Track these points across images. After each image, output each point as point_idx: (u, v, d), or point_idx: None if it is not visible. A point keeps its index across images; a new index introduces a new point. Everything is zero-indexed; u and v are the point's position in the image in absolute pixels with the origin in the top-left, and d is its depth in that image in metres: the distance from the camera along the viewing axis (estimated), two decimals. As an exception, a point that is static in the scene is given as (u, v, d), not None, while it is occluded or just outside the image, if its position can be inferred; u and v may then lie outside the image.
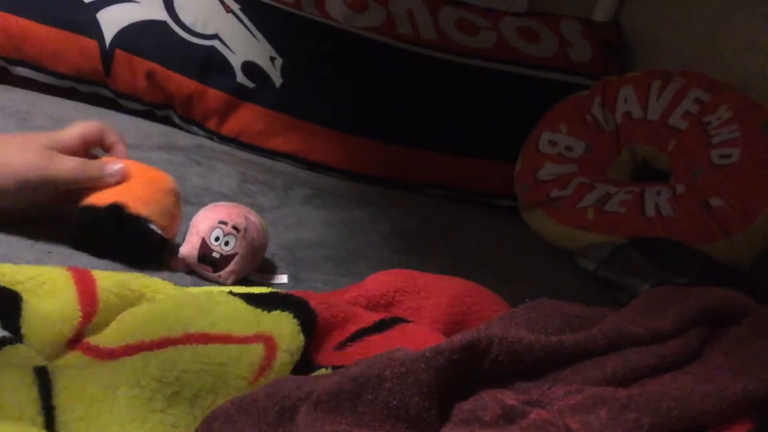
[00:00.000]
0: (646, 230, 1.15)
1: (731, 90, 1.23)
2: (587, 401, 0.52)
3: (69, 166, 0.73)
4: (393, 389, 0.50)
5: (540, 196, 1.30)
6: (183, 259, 0.79)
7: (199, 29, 1.28)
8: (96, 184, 0.75)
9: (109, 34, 1.24)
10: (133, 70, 1.25)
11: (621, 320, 0.63)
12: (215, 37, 1.28)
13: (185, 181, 1.06)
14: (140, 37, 1.25)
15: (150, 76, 1.25)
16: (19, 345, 0.53)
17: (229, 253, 0.78)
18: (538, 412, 0.51)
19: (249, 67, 1.29)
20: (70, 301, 0.60)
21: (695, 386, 0.52)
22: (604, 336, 0.59)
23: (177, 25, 1.27)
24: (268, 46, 1.31)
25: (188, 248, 0.78)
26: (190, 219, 0.81)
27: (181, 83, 1.26)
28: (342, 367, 0.59)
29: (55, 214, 0.78)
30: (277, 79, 1.30)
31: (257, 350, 0.58)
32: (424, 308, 0.75)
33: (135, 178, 0.77)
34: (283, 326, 0.61)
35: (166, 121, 1.30)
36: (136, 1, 1.26)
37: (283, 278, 0.85)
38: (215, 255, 0.77)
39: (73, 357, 0.58)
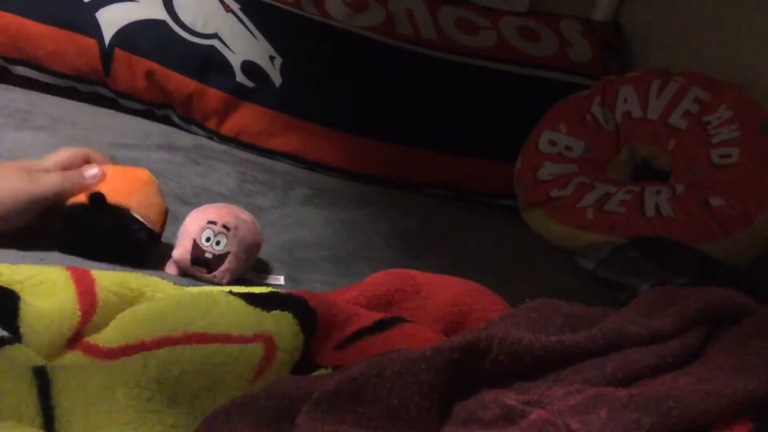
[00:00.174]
0: (645, 230, 1.15)
1: (731, 90, 1.23)
2: (587, 401, 0.52)
3: (52, 179, 0.75)
4: (393, 389, 0.50)
5: (540, 196, 1.30)
6: (176, 263, 0.79)
7: (198, 28, 1.28)
8: (79, 190, 0.77)
9: (108, 34, 1.24)
10: (132, 70, 1.25)
11: (621, 320, 0.63)
12: (215, 36, 1.28)
13: (185, 181, 1.06)
14: (140, 36, 1.25)
15: (149, 75, 1.25)
16: (17, 345, 0.53)
17: (221, 252, 0.78)
18: (538, 413, 0.51)
19: (248, 67, 1.29)
20: (69, 300, 0.60)
21: (695, 386, 0.52)
22: (604, 336, 0.59)
23: (176, 25, 1.27)
24: (268, 46, 1.31)
25: (180, 252, 0.78)
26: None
27: (180, 83, 1.26)
28: (342, 367, 0.59)
29: (44, 226, 0.79)
30: (277, 79, 1.30)
31: (257, 350, 0.58)
32: (424, 308, 0.75)
33: (111, 175, 0.79)
34: (283, 326, 0.61)
35: (166, 120, 1.30)
36: (135, 1, 1.26)
37: (279, 279, 0.85)
38: (208, 255, 0.77)
39: (72, 356, 0.58)
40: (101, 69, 1.25)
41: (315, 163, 1.32)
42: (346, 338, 0.66)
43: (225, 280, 0.78)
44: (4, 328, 0.54)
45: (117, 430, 0.47)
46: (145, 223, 0.77)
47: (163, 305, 0.62)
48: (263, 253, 0.86)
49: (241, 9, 1.31)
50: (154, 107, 1.30)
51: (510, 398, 0.52)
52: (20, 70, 1.25)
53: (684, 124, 1.24)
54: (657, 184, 1.22)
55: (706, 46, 1.41)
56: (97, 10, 1.24)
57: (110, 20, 1.24)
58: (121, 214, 0.76)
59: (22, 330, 0.56)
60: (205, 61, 1.27)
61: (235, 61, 1.28)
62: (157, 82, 1.26)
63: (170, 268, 0.80)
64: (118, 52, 1.24)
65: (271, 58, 1.31)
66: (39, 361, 0.53)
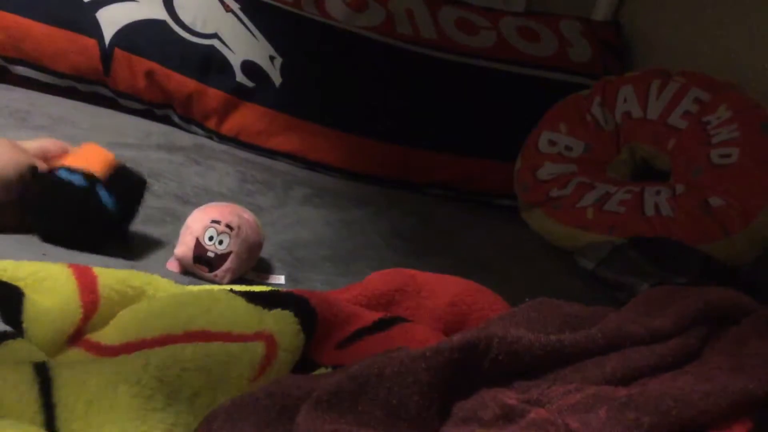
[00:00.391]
0: (645, 230, 1.15)
1: (731, 90, 1.23)
2: (587, 400, 0.52)
3: (37, 143, 0.80)
4: (393, 388, 0.50)
5: (540, 196, 1.30)
6: (178, 261, 0.79)
7: (198, 28, 1.28)
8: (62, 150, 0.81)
9: (108, 34, 1.24)
10: (132, 70, 1.25)
11: (621, 320, 0.63)
12: (215, 36, 1.28)
13: (185, 180, 1.06)
14: (140, 36, 1.25)
15: (149, 75, 1.25)
16: (20, 339, 0.53)
17: (223, 251, 0.78)
18: (538, 412, 0.51)
19: (248, 67, 1.29)
20: (71, 297, 0.60)
21: (695, 386, 0.52)
22: (604, 335, 0.59)
23: (176, 25, 1.27)
24: (268, 46, 1.31)
25: (183, 249, 0.78)
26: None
27: (180, 82, 1.26)
28: (342, 366, 0.59)
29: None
30: (277, 79, 1.30)
31: (258, 349, 0.58)
32: (424, 308, 0.75)
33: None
34: (284, 325, 0.61)
35: (166, 120, 1.30)
36: (135, 1, 1.26)
37: (280, 279, 0.85)
38: (210, 254, 0.77)
39: (74, 353, 0.58)
40: (101, 69, 1.25)
41: (315, 163, 1.32)
42: (347, 338, 0.66)
43: (226, 280, 0.79)
44: (8, 324, 0.54)
45: (118, 428, 0.47)
46: (83, 171, 0.77)
47: (164, 303, 0.62)
48: (263, 253, 0.86)
49: (241, 9, 1.31)
50: (154, 107, 1.30)
51: (509, 397, 0.53)
52: (20, 69, 1.25)
53: (684, 124, 1.24)
54: (657, 184, 1.22)
55: (706, 46, 1.41)
56: (97, 10, 1.24)
57: (110, 20, 1.24)
58: (56, 175, 0.77)
59: (25, 325, 0.56)
60: (205, 61, 1.27)
61: (235, 60, 1.28)
62: (157, 81, 1.26)
63: (172, 266, 0.80)
64: (118, 52, 1.24)
65: (271, 58, 1.31)
66: (40, 357, 0.53)
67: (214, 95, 1.28)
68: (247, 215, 0.82)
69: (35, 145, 0.80)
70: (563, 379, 0.57)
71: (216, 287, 0.72)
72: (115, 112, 1.26)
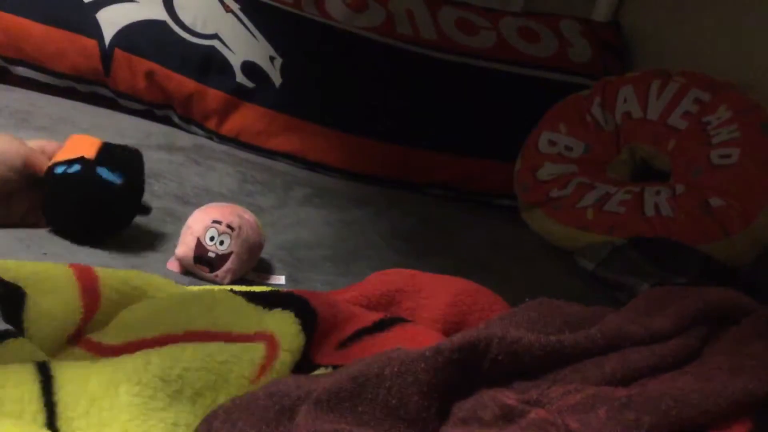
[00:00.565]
0: (645, 230, 1.15)
1: (731, 90, 1.23)
2: (586, 401, 0.52)
3: (36, 142, 0.81)
4: (393, 388, 0.50)
5: (540, 196, 1.30)
6: (179, 261, 0.79)
7: (198, 29, 1.28)
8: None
9: (108, 34, 1.24)
10: (132, 70, 1.25)
11: (620, 320, 0.63)
12: (215, 36, 1.28)
13: (185, 181, 1.06)
14: (140, 36, 1.25)
15: (149, 75, 1.25)
16: (21, 338, 0.53)
17: (224, 252, 0.78)
18: (538, 412, 0.51)
19: (248, 67, 1.29)
20: (72, 297, 0.60)
21: (695, 386, 0.52)
22: (604, 336, 0.59)
23: (176, 25, 1.27)
24: (268, 46, 1.31)
25: (184, 249, 0.78)
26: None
27: (180, 83, 1.26)
28: (342, 366, 0.59)
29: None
30: (277, 79, 1.30)
31: (259, 349, 0.58)
32: (424, 308, 0.75)
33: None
34: (285, 325, 0.61)
35: (166, 120, 1.30)
36: (135, 1, 1.27)
37: (280, 279, 0.85)
38: (211, 255, 0.77)
39: (75, 353, 0.58)
40: (101, 69, 1.25)
41: (315, 163, 1.32)
42: (347, 338, 0.66)
43: (226, 280, 0.79)
44: (9, 323, 0.54)
45: (119, 427, 0.47)
46: (73, 159, 0.77)
47: (164, 303, 0.63)
48: (264, 253, 0.86)
49: (241, 9, 1.31)
50: (154, 107, 1.30)
51: (509, 398, 0.53)
52: (21, 70, 1.25)
53: (684, 124, 1.24)
54: (657, 185, 1.22)
55: (706, 46, 1.41)
56: (97, 10, 1.24)
57: (110, 21, 1.24)
58: (49, 173, 0.77)
59: (25, 325, 0.56)
60: (205, 62, 1.27)
61: (235, 61, 1.28)
62: (157, 82, 1.26)
63: (172, 266, 0.80)
64: (118, 53, 1.24)
65: (271, 59, 1.31)
66: (42, 357, 0.53)
67: (214, 96, 1.28)
68: (248, 216, 0.82)
69: (34, 143, 0.80)
70: (563, 380, 0.57)
71: (216, 287, 0.72)
72: (115, 113, 1.26)
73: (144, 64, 1.25)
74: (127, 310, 0.62)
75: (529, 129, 1.38)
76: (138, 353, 0.53)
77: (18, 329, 0.55)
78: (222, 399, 0.53)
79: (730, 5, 1.38)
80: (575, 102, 1.37)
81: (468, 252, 1.13)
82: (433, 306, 0.75)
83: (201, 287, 0.74)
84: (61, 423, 0.47)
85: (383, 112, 1.36)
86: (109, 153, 0.80)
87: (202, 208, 0.82)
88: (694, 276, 1.01)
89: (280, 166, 1.28)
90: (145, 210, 0.84)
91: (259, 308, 0.63)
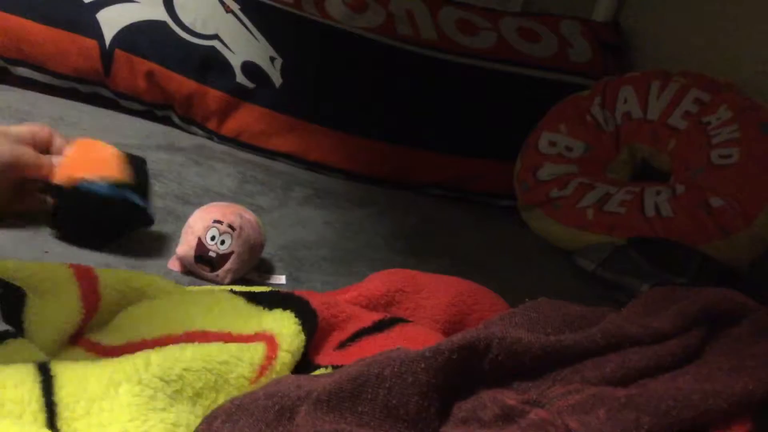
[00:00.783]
0: (645, 230, 1.15)
1: (731, 90, 1.23)
2: (586, 401, 0.52)
3: (26, 127, 0.79)
4: (392, 389, 0.50)
5: (540, 196, 1.30)
6: (180, 260, 0.79)
7: (198, 29, 1.28)
8: (37, 168, 0.78)
9: (108, 34, 1.24)
10: (132, 70, 1.25)
11: (621, 320, 0.63)
12: (215, 37, 1.28)
13: (185, 181, 1.06)
14: (140, 37, 1.25)
15: (150, 76, 1.25)
16: (21, 339, 0.53)
17: (225, 251, 0.78)
18: (538, 412, 0.51)
19: (249, 67, 1.29)
20: (73, 297, 0.60)
21: (695, 386, 0.52)
22: (604, 336, 0.59)
23: (177, 25, 1.27)
24: (268, 46, 1.31)
25: (185, 248, 0.78)
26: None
27: (180, 83, 1.26)
28: (342, 366, 0.59)
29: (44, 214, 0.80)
30: (277, 79, 1.30)
31: (259, 349, 0.58)
32: (424, 308, 0.75)
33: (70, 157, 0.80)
34: (285, 325, 0.61)
35: (166, 121, 1.30)
36: (135, 1, 1.27)
37: (281, 279, 0.85)
38: (212, 254, 0.78)
39: (75, 353, 0.58)
40: (102, 70, 1.25)
41: (315, 163, 1.32)
42: (347, 338, 0.66)
43: (227, 280, 0.79)
44: (9, 324, 0.54)
45: (119, 428, 0.47)
46: (104, 181, 0.77)
47: (164, 304, 0.63)
48: (264, 253, 0.86)
49: (241, 9, 1.31)
50: (155, 108, 1.30)
51: (509, 398, 0.53)
52: (21, 71, 1.25)
53: (684, 124, 1.24)
54: (657, 185, 1.22)
55: (706, 47, 1.41)
56: (97, 11, 1.24)
57: (111, 21, 1.24)
58: (81, 190, 0.77)
59: (25, 325, 0.56)
60: (206, 62, 1.27)
61: (236, 61, 1.28)
62: (158, 82, 1.26)
63: (173, 265, 0.80)
64: (119, 53, 1.24)
65: (272, 59, 1.31)
66: (41, 357, 0.53)
67: (214, 96, 1.28)
68: (249, 215, 0.82)
69: (24, 129, 0.79)
70: (563, 380, 0.57)
71: (216, 287, 0.72)
72: (115, 113, 1.26)
73: (144, 65, 1.25)
74: (127, 310, 0.62)
75: (529, 129, 1.38)
76: (138, 353, 0.53)
77: (18, 329, 0.55)
78: (222, 399, 0.53)
79: (730, 5, 1.38)
80: (575, 102, 1.37)
81: (468, 252, 1.13)
82: (433, 306, 0.75)
83: (201, 287, 0.74)
84: (62, 423, 0.47)
85: (383, 112, 1.36)
86: (135, 173, 0.80)
87: (204, 207, 0.82)
88: (694, 276, 1.01)
89: (281, 166, 1.28)
90: (149, 221, 0.83)
91: (259, 308, 0.63)
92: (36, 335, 0.56)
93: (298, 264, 0.91)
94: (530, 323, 0.62)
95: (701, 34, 1.43)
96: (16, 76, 1.26)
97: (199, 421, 0.51)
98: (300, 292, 0.69)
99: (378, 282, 0.76)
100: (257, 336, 0.60)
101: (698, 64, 1.35)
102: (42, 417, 0.47)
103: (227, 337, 0.59)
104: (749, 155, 1.14)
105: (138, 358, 0.52)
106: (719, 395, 0.51)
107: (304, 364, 0.62)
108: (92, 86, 1.28)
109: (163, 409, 0.50)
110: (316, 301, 0.66)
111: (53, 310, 0.58)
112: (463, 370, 0.54)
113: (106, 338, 0.59)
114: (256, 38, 1.31)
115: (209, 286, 0.75)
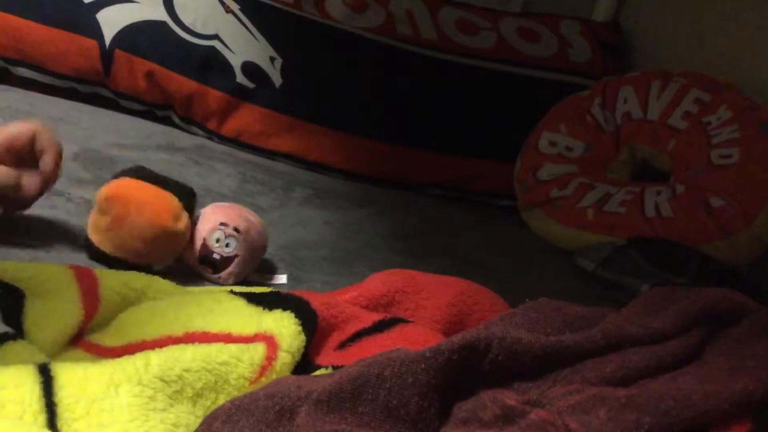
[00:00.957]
0: (645, 230, 1.15)
1: (731, 90, 1.23)
2: (587, 401, 0.52)
3: (2, 135, 0.71)
4: (393, 389, 0.50)
5: (540, 196, 1.30)
6: (183, 260, 0.79)
7: (198, 29, 1.28)
8: (16, 188, 0.72)
9: (108, 35, 1.24)
10: (132, 71, 1.25)
11: (621, 320, 0.63)
12: (215, 37, 1.28)
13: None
14: (140, 37, 1.25)
15: (150, 76, 1.25)
16: (21, 341, 0.53)
17: (229, 254, 0.78)
18: (538, 412, 0.51)
19: (249, 68, 1.29)
20: (73, 299, 0.60)
21: (695, 386, 0.52)
22: (604, 336, 0.59)
23: (177, 26, 1.27)
24: (268, 47, 1.31)
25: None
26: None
27: (181, 83, 1.26)
28: (342, 367, 0.59)
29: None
30: (277, 80, 1.30)
31: (259, 350, 0.58)
32: (424, 308, 0.75)
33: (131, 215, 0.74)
34: (285, 326, 0.61)
35: (166, 121, 1.30)
36: (135, 1, 1.27)
37: (282, 278, 0.85)
38: (216, 256, 0.77)
39: (75, 354, 0.58)
40: (102, 70, 1.25)
41: (315, 163, 1.32)
42: (347, 338, 0.66)
43: (229, 282, 0.79)
44: (9, 325, 0.54)
45: (119, 428, 0.47)
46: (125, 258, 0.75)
47: (164, 305, 0.63)
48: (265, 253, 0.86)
49: (241, 10, 1.31)
50: (155, 108, 1.30)
51: (509, 398, 0.53)
52: (21, 71, 1.25)
53: (684, 124, 1.24)
54: (657, 185, 1.22)
55: (705, 46, 1.41)
56: (97, 11, 1.24)
57: (111, 21, 1.24)
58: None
59: (25, 327, 0.56)
60: (206, 62, 1.27)
61: (236, 61, 1.28)
62: (158, 82, 1.26)
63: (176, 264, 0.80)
64: (119, 53, 1.24)
65: (272, 59, 1.31)
66: (42, 358, 0.53)
67: (214, 96, 1.28)
68: (253, 217, 0.82)
69: (2, 135, 0.72)
70: (563, 380, 0.57)
71: (216, 288, 0.72)
72: (115, 113, 1.26)
73: (144, 65, 1.25)
74: (127, 311, 0.62)
75: (529, 129, 1.38)
76: (138, 354, 0.53)
77: (18, 331, 0.55)
78: (222, 400, 0.53)
79: (730, 5, 1.38)
80: (575, 102, 1.37)
81: (468, 252, 1.13)
82: (434, 306, 0.75)
83: (201, 288, 0.74)
84: (62, 424, 0.47)
85: (383, 112, 1.36)
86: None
87: (209, 208, 0.82)
88: (694, 276, 1.01)
89: (281, 166, 1.28)
90: None
91: (259, 309, 0.63)
92: (36, 336, 0.56)
93: (299, 264, 0.91)
94: (530, 323, 0.62)
95: (701, 34, 1.43)
96: (16, 76, 1.26)
97: (199, 421, 0.51)
98: (300, 292, 0.69)
99: (378, 282, 0.76)
100: (257, 336, 0.60)
101: (698, 64, 1.35)
102: (42, 418, 0.47)
103: (227, 338, 0.59)
104: (749, 155, 1.14)
105: (138, 359, 0.52)
106: (719, 395, 0.51)
107: (304, 365, 0.62)
108: (92, 86, 1.28)
109: (163, 410, 0.50)
110: (316, 301, 0.66)
111: (53, 311, 0.58)
112: (464, 371, 0.54)
113: (107, 339, 0.59)
114: (256, 38, 1.31)
115: (210, 287, 0.75)
